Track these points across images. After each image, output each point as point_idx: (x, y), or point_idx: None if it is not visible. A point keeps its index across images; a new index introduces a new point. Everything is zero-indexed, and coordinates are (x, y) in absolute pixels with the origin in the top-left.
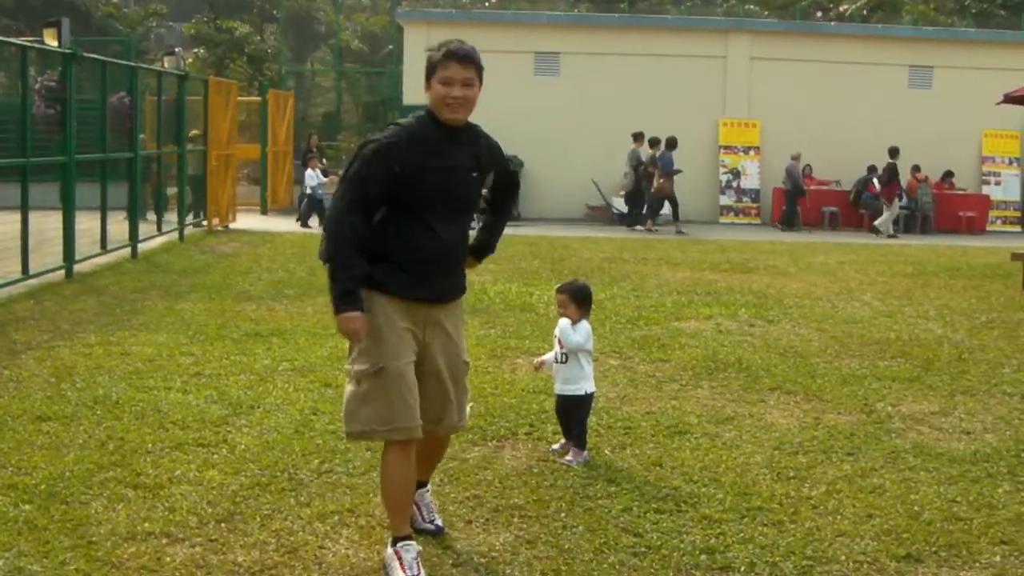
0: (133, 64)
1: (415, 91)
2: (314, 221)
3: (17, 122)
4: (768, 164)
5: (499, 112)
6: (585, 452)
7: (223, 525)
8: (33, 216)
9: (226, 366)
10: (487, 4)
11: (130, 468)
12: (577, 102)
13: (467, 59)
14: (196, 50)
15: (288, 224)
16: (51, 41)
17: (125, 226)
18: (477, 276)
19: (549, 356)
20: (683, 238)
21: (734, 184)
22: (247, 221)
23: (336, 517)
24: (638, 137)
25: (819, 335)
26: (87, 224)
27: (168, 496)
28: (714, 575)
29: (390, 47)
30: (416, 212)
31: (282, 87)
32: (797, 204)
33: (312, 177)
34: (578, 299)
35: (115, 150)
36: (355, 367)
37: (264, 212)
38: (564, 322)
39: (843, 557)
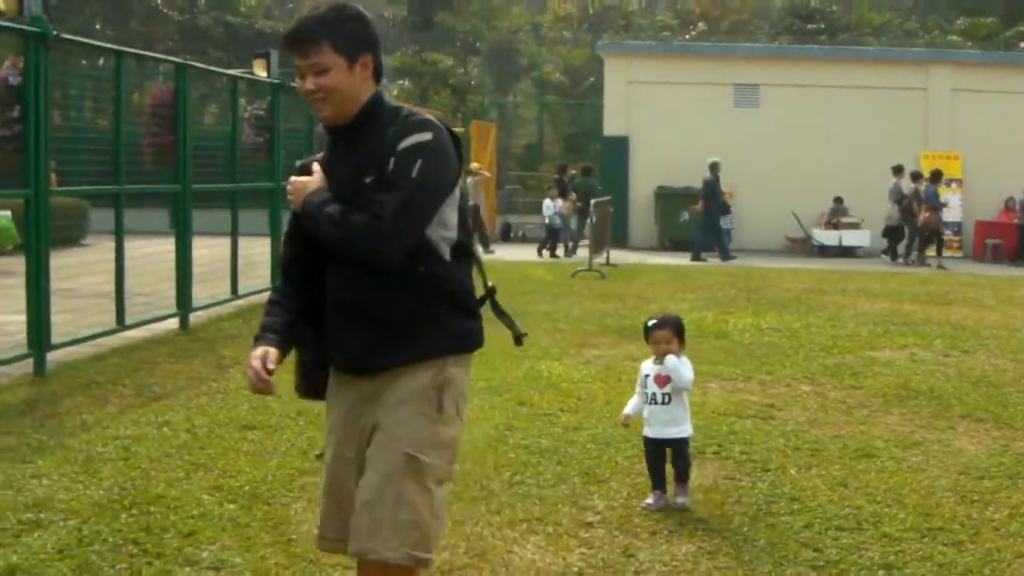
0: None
1: (616, 122)
2: (560, 251)
3: (228, 149)
4: (970, 196)
5: (699, 143)
6: (687, 496)
7: None
8: (242, 240)
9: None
10: (687, 37)
11: None
12: (776, 134)
13: (300, 42)
14: (401, 81)
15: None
16: (260, 72)
17: None
18: (673, 303)
19: (636, 403)
20: (943, 272)
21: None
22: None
23: (524, 525)
24: (898, 170)
25: (1015, 365)
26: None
27: None
28: None
29: (591, 79)
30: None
31: (485, 118)
32: None
33: (550, 207)
34: (680, 333)
35: None
36: None
37: None
38: (673, 359)
39: None
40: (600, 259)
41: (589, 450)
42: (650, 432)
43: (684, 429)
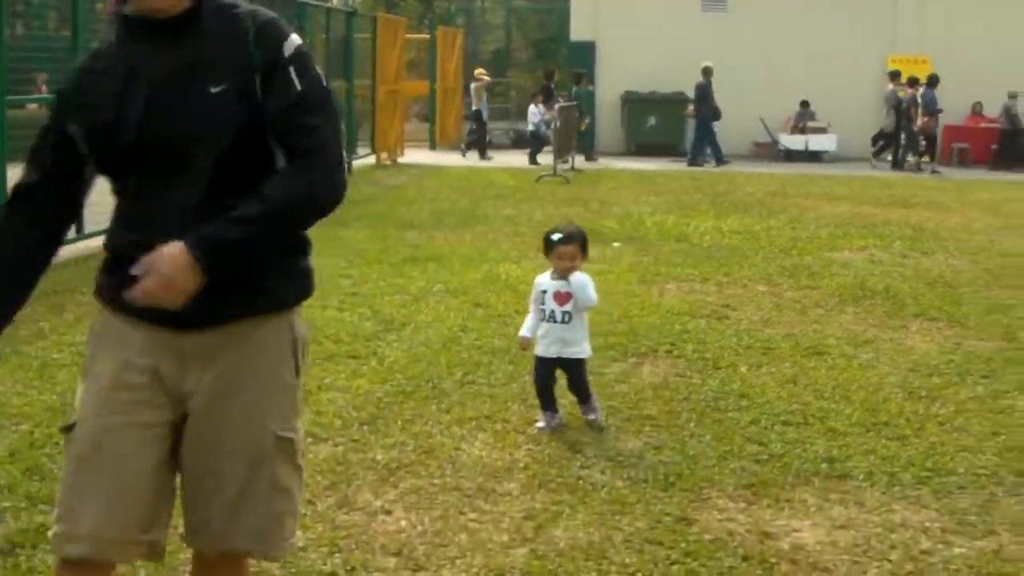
0: (301, 0)
1: (583, 27)
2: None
3: None
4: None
5: (666, 48)
6: (598, 411)
7: (365, 427)
8: None
9: (382, 287)
10: None
11: None
12: (744, 38)
13: None
14: None
15: (455, 159)
16: None
17: None
18: (636, 207)
19: (532, 322)
20: (937, 177)
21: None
22: (416, 156)
23: (473, 422)
24: (895, 76)
25: (972, 267)
26: None
27: (316, 402)
28: (832, 482)
29: None
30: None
31: (451, 24)
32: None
33: (536, 113)
34: (585, 247)
35: None
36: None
37: (433, 147)
38: (581, 277)
39: (962, 470)
40: (565, 165)
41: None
42: (543, 351)
43: (583, 349)
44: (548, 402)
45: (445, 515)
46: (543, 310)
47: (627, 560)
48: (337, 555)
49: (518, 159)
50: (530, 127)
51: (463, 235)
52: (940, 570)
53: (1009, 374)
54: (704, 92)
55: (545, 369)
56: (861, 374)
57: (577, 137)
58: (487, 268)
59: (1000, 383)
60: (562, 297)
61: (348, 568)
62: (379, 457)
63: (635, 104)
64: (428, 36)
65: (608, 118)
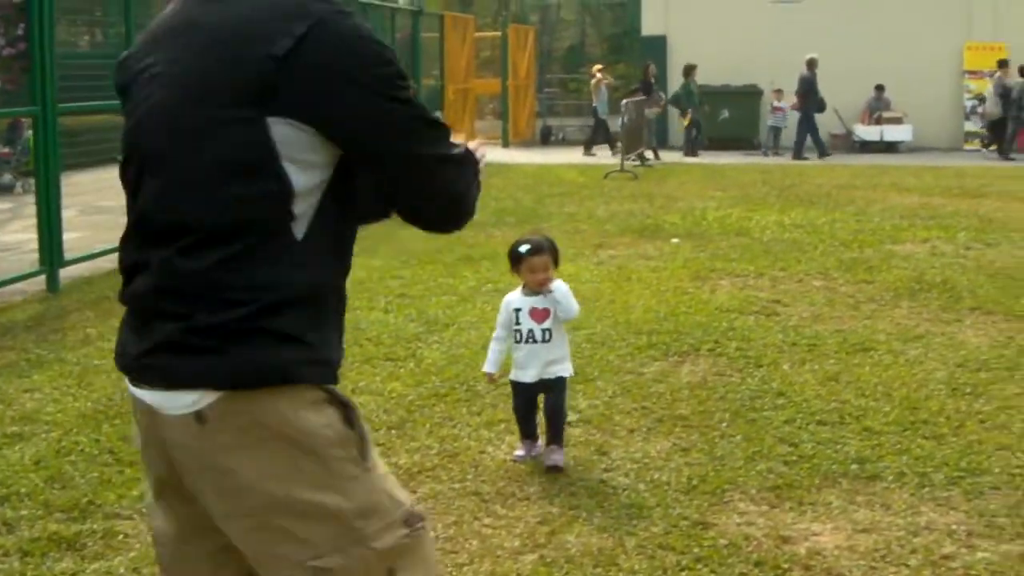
0: (365, 1)
1: (654, 21)
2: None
3: None
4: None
5: (737, 41)
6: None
7: (393, 431)
8: None
9: (431, 288)
10: None
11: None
12: (816, 29)
13: None
14: None
15: (527, 155)
16: None
17: None
18: (701, 202)
19: (498, 353)
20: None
21: (979, 110)
22: (488, 154)
23: (503, 425)
24: (1003, 64)
25: None
26: None
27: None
28: (860, 484)
29: None
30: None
31: (525, 22)
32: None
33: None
34: (557, 257)
35: None
36: None
37: (505, 145)
38: (563, 286)
39: (997, 470)
40: (634, 160)
41: (583, 349)
42: (524, 376)
43: (566, 367)
44: (530, 429)
45: (460, 520)
46: (518, 331)
47: (636, 566)
48: None
49: (593, 156)
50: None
51: (521, 233)
52: (960, 575)
53: None
54: (809, 85)
55: (527, 395)
56: (906, 371)
57: (688, 132)
58: None
59: None
60: (540, 314)
61: None
62: (402, 461)
63: (708, 97)
64: (499, 34)
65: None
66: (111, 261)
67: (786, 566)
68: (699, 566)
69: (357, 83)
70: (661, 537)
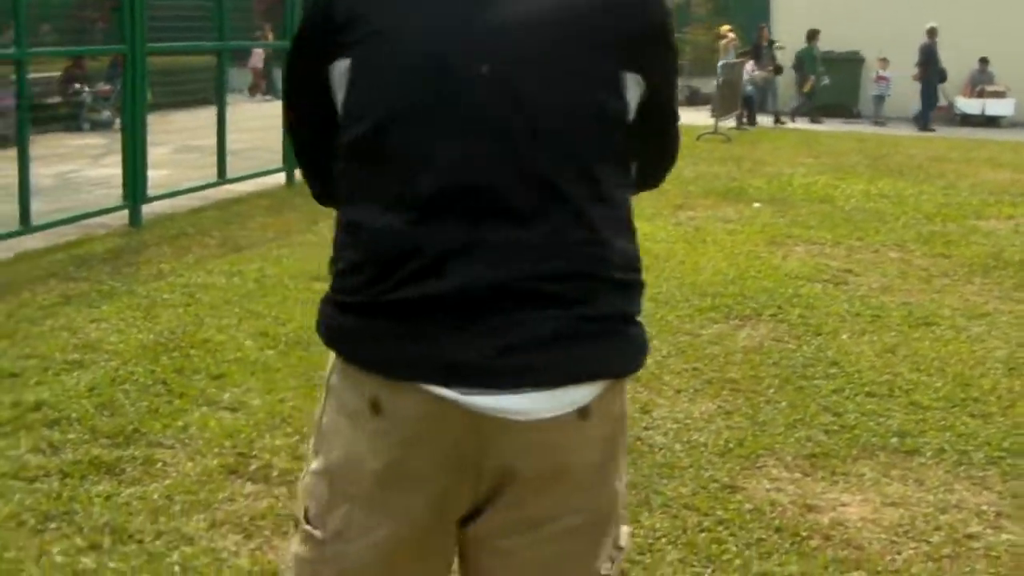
0: None
1: None
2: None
3: None
4: None
5: (841, 7)
6: None
7: None
8: None
9: None
10: None
11: None
12: None
13: None
14: None
15: None
16: None
17: None
18: (790, 168)
19: None
20: None
21: None
22: None
23: None
24: None
25: None
26: None
27: None
28: (898, 457)
29: None
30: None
31: None
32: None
33: (745, 73)
34: None
35: None
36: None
37: None
38: None
39: None
40: (730, 122)
41: (644, 307)
42: None
43: None
44: None
45: None
46: None
47: (658, 524)
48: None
49: (690, 116)
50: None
51: None
52: (980, 556)
53: None
54: (930, 53)
55: None
56: (966, 347)
57: (805, 97)
58: None
59: None
60: None
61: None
62: None
63: (809, 63)
64: None
65: (784, 77)
66: (195, 199)
67: (805, 534)
68: (719, 528)
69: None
70: (688, 497)
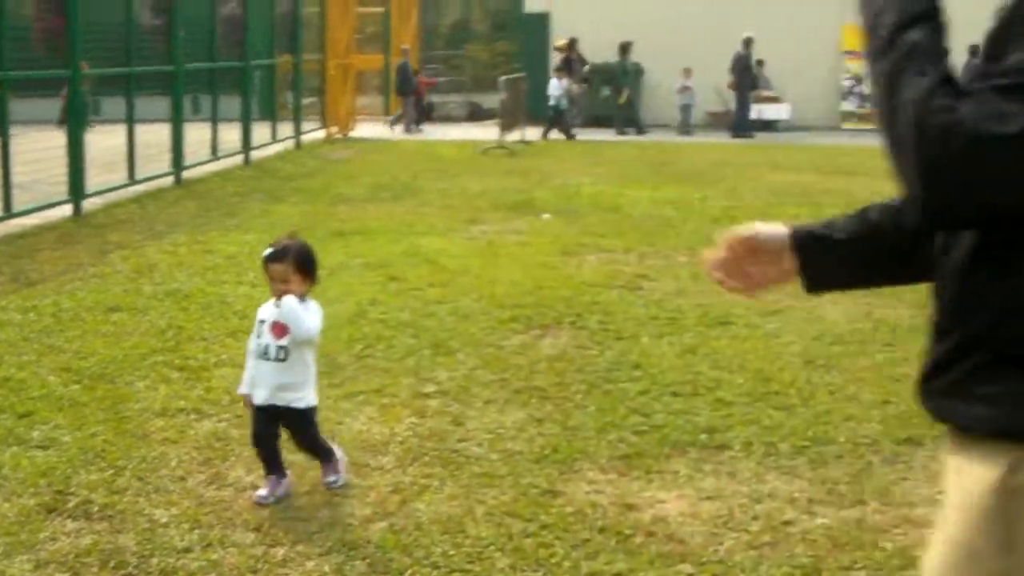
0: None
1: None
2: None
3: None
4: None
5: (618, 18)
6: (340, 472)
7: None
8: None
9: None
10: None
11: (181, 353)
12: (695, 5)
13: None
14: None
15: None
16: None
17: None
18: (576, 178)
19: (250, 366)
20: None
21: (857, 90)
22: (370, 130)
23: (362, 397)
24: None
25: None
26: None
27: (208, 378)
28: (708, 453)
29: None
30: None
31: None
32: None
33: (556, 87)
34: (304, 266)
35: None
36: None
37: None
38: (290, 300)
39: (843, 439)
40: (514, 136)
41: (445, 322)
42: (256, 395)
43: (303, 397)
44: (271, 464)
45: (312, 491)
46: (258, 344)
47: (483, 533)
48: (196, 531)
49: (471, 132)
50: (551, 101)
51: (394, 209)
52: (798, 540)
53: (912, 341)
54: (743, 63)
55: (262, 418)
56: (763, 344)
57: (623, 110)
58: (410, 241)
59: (902, 351)
60: (279, 328)
61: (204, 544)
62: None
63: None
64: (383, 10)
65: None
66: None
67: (629, 532)
68: (544, 532)
69: None
70: (509, 505)
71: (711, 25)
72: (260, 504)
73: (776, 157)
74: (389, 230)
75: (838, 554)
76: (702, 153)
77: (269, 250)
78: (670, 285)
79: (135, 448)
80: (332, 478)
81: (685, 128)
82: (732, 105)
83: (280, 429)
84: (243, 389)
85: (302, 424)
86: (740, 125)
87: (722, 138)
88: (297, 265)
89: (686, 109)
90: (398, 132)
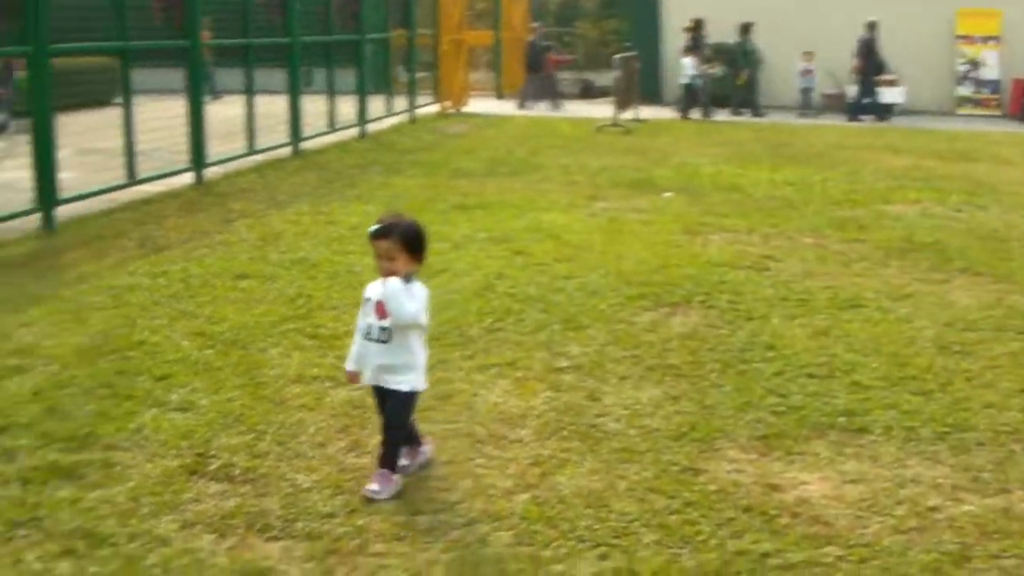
0: None
1: None
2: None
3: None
4: (1009, 54)
5: (738, 3)
6: (415, 461)
7: None
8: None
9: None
10: None
11: (312, 320)
12: None
13: None
14: None
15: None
16: None
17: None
18: (693, 158)
19: (355, 346)
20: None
21: (972, 75)
22: (482, 105)
23: (495, 369)
24: None
25: None
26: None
27: (341, 346)
28: (848, 436)
29: None
30: None
31: None
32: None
33: (688, 66)
34: (410, 245)
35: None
36: None
37: (499, 97)
38: (394, 282)
39: (983, 426)
40: (627, 115)
41: (574, 298)
42: (365, 376)
43: (407, 380)
44: (407, 436)
45: (453, 460)
46: (364, 323)
47: (627, 508)
48: (339, 496)
49: (585, 109)
50: (682, 80)
51: (514, 184)
52: (945, 527)
53: None
54: (868, 46)
55: (377, 399)
56: (896, 328)
57: (740, 91)
58: (532, 216)
59: None
60: (382, 309)
61: (349, 510)
62: None
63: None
64: None
65: (675, 69)
66: (107, 201)
67: (774, 512)
68: (689, 510)
69: None
70: (651, 481)
71: (830, 8)
72: (371, 499)
73: (894, 140)
74: (510, 204)
75: (986, 542)
76: (819, 135)
77: (375, 226)
78: (796, 267)
79: (273, 413)
80: (372, 488)
81: (806, 110)
82: (847, 88)
83: None
84: (350, 365)
85: (397, 406)
86: (861, 108)
87: (837, 120)
88: (404, 243)
89: (806, 92)
90: (542, 108)
